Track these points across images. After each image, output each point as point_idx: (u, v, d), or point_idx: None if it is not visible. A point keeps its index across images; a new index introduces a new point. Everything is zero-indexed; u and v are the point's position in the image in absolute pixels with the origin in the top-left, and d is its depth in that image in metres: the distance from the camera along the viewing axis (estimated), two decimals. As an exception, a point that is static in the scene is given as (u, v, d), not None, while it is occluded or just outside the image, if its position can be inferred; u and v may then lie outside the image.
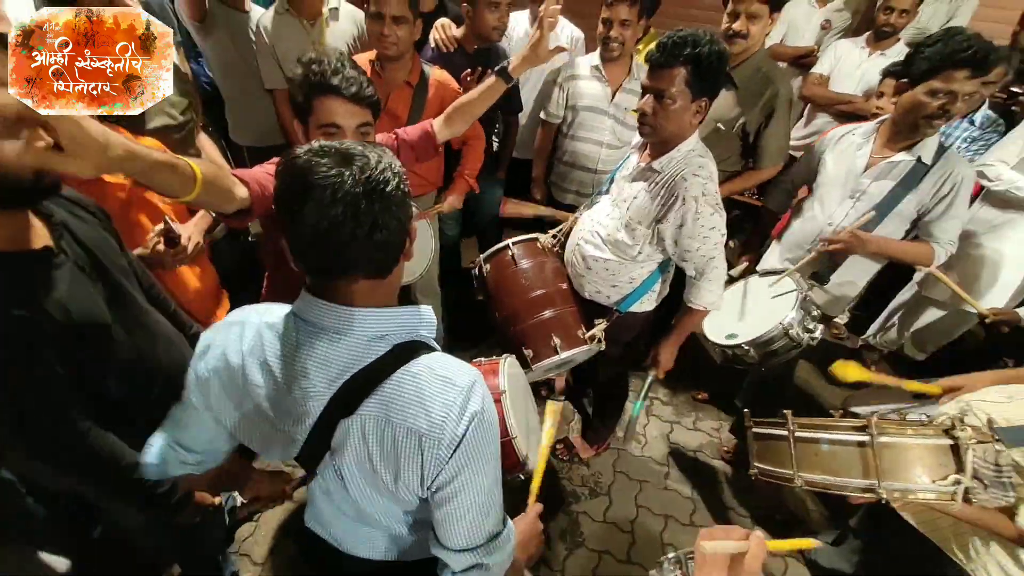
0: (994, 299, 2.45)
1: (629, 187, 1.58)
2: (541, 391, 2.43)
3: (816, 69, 2.89)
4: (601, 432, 2.23)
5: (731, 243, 3.64)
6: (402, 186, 0.71)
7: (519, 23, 2.49)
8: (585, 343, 1.63)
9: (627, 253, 1.59)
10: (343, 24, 2.12)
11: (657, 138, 1.46)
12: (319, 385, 0.73)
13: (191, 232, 1.37)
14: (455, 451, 0.70)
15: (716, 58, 1.31)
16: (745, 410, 1.30)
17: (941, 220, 1.63)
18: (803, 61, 3.06)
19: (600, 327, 1.67)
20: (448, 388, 0.71)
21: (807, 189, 1.94)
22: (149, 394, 0.99)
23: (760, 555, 0.64)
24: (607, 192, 1.73)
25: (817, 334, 1.62)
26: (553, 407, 1.28)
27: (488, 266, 1.72)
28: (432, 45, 2.11)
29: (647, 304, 1.73)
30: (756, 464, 1.22)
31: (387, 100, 1.86)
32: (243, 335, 0.78)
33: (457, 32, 2.12)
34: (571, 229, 1.80)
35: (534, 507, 1.07)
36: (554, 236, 1.79)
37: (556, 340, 1.59)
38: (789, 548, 0.88)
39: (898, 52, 2.67)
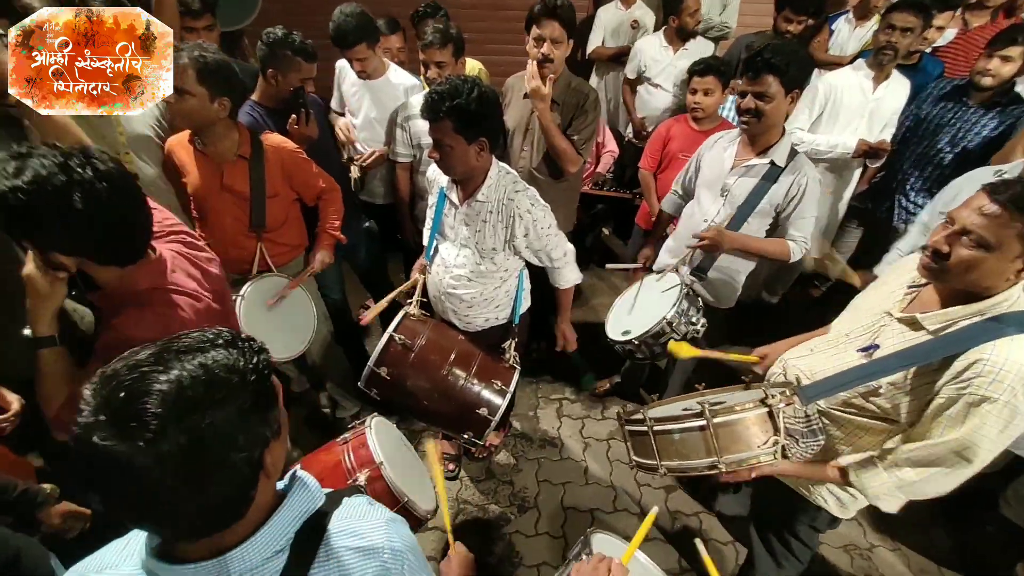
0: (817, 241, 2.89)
1: (464, 228, 1.70)
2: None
3: (629, 72, 3.29)
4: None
5: (606, 230, 3.94)
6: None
7: (347, 72, 2.49)
8: (515, 368, 1.76)
9: (495, 276, 1.75)
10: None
11: (456, 177, 1.62)
12: None
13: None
14: None
15: (478, 103, 1.41)
16: (618, 411, 1.44)
17: (795, 218, 1.80)
18: (623, 59, 3.42)
19: (511, 346, 1.80)
20: (368, 557, 0.70)
21: None
22: None
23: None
24: (438, 235, 1.80)
25: (699, 326, 1.75)
26: (430, 448, 1.32)
27: (384, 369, 1.59)
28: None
29: (527, 301, 1.92)
30: (633, 458, 1.36)
31: (222, 177, 1.79)
32: None
33: (253, 97, 2.06)
34: (423, 287, 1.86)
35: (456, 547, 1.09)
36: (417, 302, 1.80)
37: (497, 383, 1.65)
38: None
39: (697, 44, 3.06)
